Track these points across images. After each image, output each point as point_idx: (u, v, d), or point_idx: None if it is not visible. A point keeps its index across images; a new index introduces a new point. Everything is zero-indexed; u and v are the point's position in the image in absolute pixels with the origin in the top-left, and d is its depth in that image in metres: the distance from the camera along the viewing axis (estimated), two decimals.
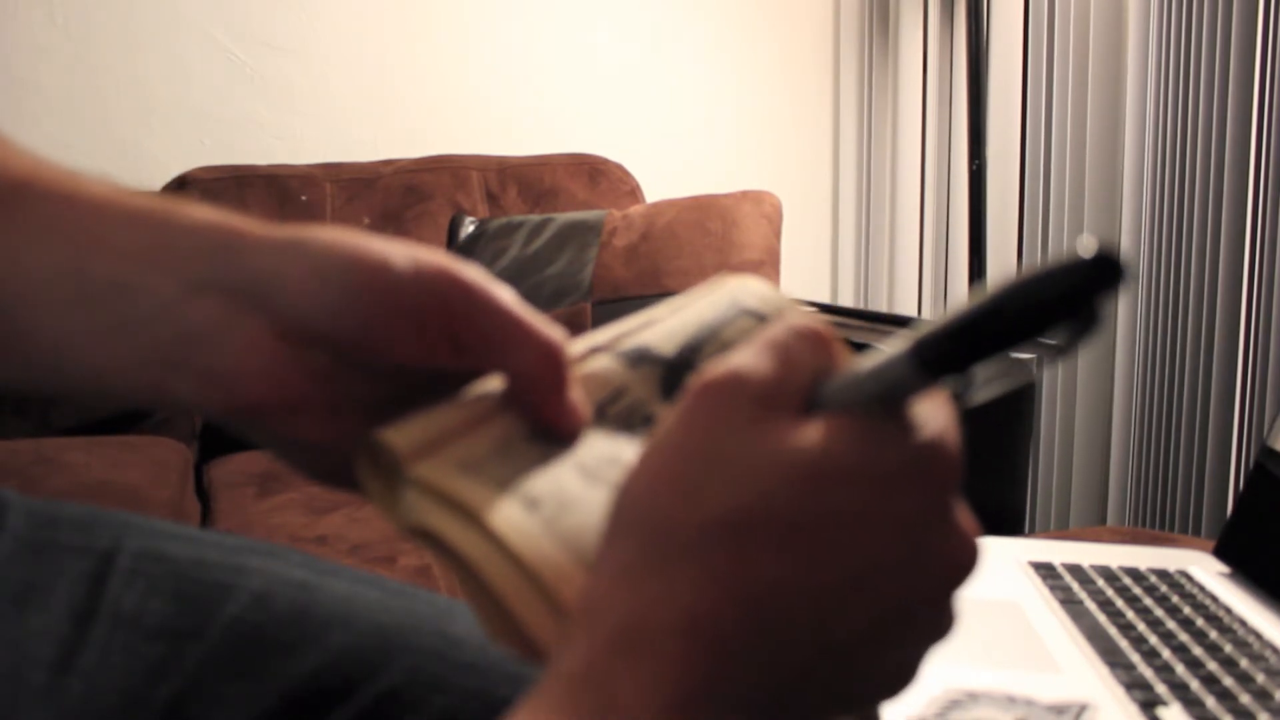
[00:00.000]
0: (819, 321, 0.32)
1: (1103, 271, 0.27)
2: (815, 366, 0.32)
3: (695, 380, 0.31)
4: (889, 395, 0.30)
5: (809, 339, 0.32)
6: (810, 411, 0.31)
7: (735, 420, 0.30)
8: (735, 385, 0.30)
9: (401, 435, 0.34)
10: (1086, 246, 0.27)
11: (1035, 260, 2.05)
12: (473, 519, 0.32)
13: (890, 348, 0.30)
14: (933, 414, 0.31)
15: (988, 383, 0.27)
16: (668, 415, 0.31)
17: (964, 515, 0.31)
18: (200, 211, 0.37)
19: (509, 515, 0.32)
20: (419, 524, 0.33)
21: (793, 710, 0.29)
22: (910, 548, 0.30)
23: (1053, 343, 0.28)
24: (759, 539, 0.29)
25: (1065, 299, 0.27)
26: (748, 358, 0.31)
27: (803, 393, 0.31)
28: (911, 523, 0.30)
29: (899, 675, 0.31)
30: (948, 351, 0.29)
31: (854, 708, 0.31)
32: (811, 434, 0.30)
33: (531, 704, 0.28)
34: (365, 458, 0.35)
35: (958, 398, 0.32)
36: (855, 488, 0.29)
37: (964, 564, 0.31)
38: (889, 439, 0.30)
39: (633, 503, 0.31)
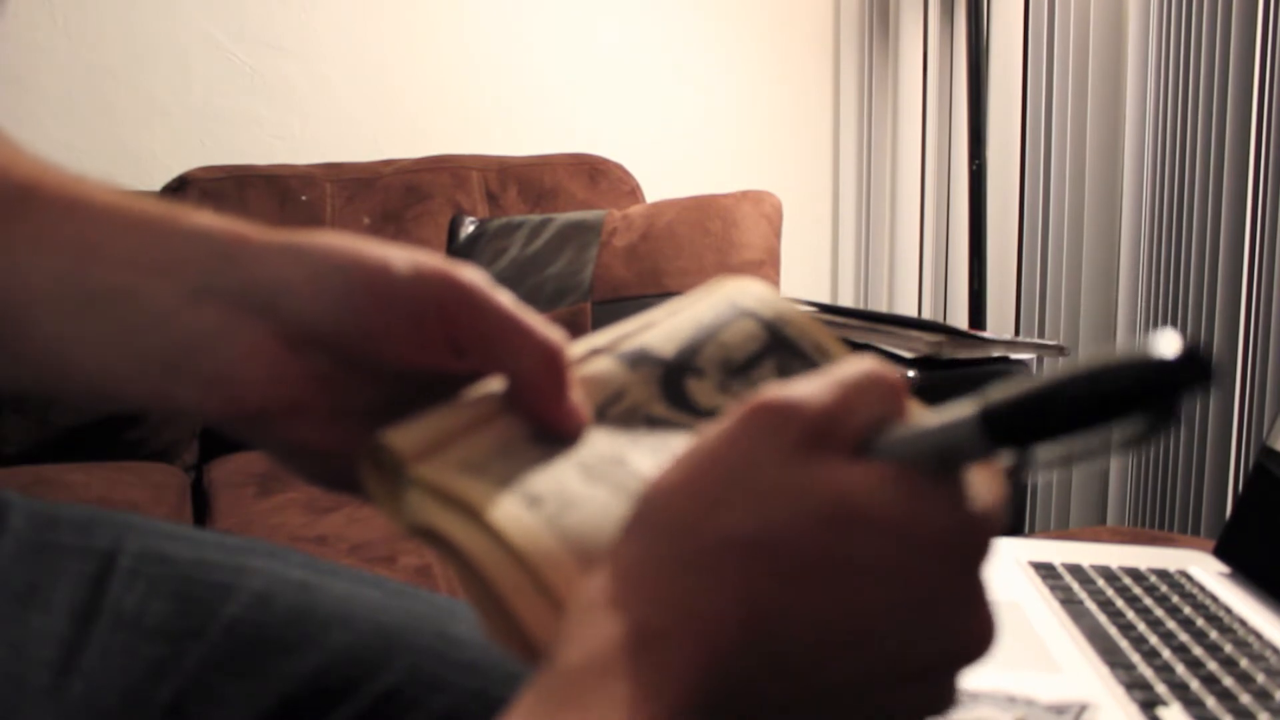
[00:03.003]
0: (895, 372, 0.32)
1: (1189, 372, 0.26)
2: (878, 414, 0.31)
3: (750, 397, 0.31)
4: (946, 456, 0.29)
5: (879, 386, 0.31)
6: (860, 456, 0.30)
7: (779, 445, 0.29)
8: (789, 411, 0.30)
9: (404, 437, 0.34)
10: (1171, 344, 0.26)
11: (1034, 263, 2.05)
12: (475, 517, 0.32)
13: (957, 408, 0.29)
14: (983, 488, 0.30)
15: (1048, 465, 0.26)
16: (712, 426, 0.31)
17: (987, 597, 0.31)
18: (201, 218, 0.37)
19: (511, 512, 0.32)
20: (422, 524, 0.33)
21: None
22: (925, 616, 0.29)
23: (1124, 433, 0.27)
24: (773, 564, 0.28)
25: (1145, 393, 0.26)
26: (810, 388, 0.30)
27: (857, 436, 0.30)
28: (932, 591, 0.29)
29: None
30: (1015, 421, 0.28)
31: None
32: (854, 476, 0.29)
33: (529, 700, 0.28)
34: (368, 460, 0.36)
35: (1014, 474, 0.31)
36: (885, 541, 0.29)
37: (975, 645, 0.30)
38: (933, 501, 0.29)
39: (656, 504, 0.30)
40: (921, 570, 0.29)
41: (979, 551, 0.30)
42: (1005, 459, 0.29)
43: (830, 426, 0.30)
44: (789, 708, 0.29)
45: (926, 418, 0.30)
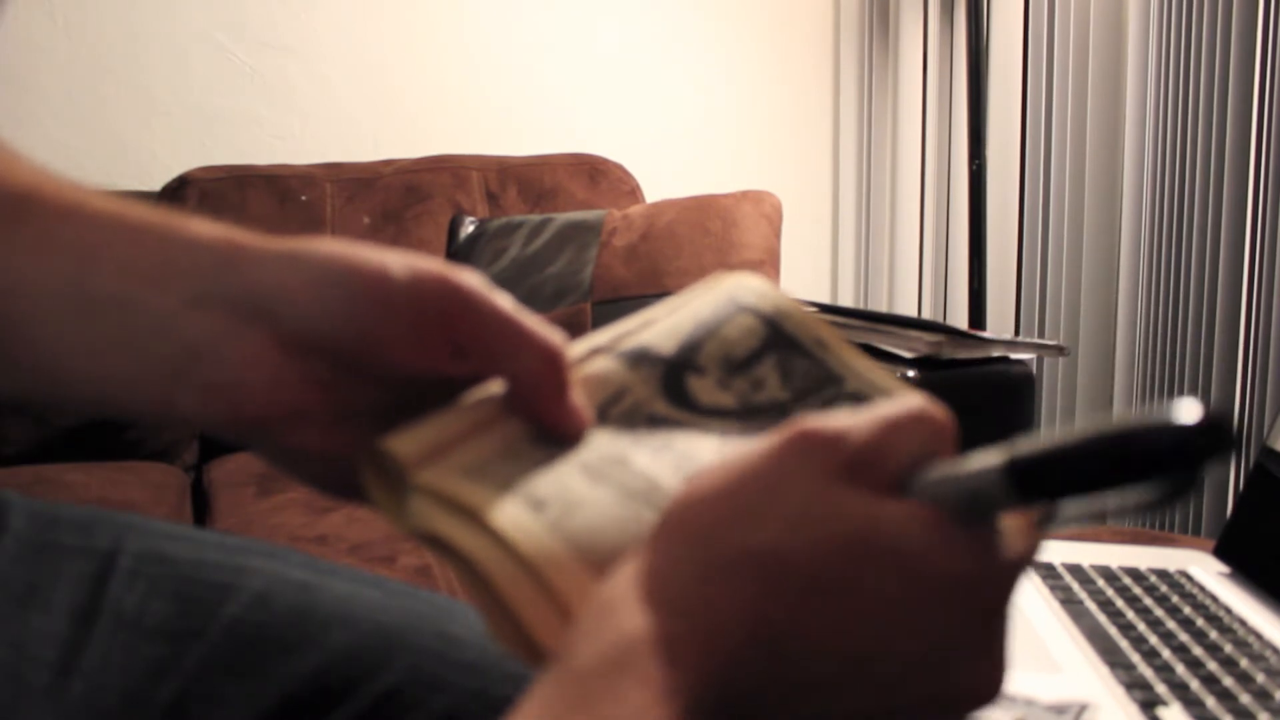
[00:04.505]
0: (943, 412, 0.32)
1: (1209, 442, 0.26)
2: (920, 453, 0.31)
3: (794, 423, 0.31)
4: (975, 502, 0.30)
5: (926, 425, 0.31)
6: (894, 493, 0.30)
7: (816, 471, 0.30)
8: (831, 441, 0.30)
9: (405, 442, 0.34)
10: (1192, 412, 0.26)
11: (1034, 263, 2.05)
12: (478, 522, 0.32)
13: (987, 455, 0.30)
14: (1015, 538, 0.31)
15: (1073, 520, 0.27)
16: (752, 444, 0.31)
17: (1001, 644, 0.31)
18: (201, 225, 0.37)
19: (514, 516, 0.32)
20: (426, 530, 0.33)
21: None
22: (935, 657, 0.29)
23: (1146, 495, 0.27)
24: (789, 582, 0.29)
25: (1163, 461, 0.26)
26: (856, 422, 0.31)
27: (895, 473, 0.31)
28: (942, 633, 0.29)
29: None
30: (1039, 475, 0.28)
31: None
32: (885, 511, 0.29)
33: (538, 699, 0.28)
34: (370, 466, 0.35)
35: (1039, 525, 0.31)
36: (904, 577, 0.29)
37: (981, 693, 0.30)
38: (959, 546, 0.29)
39: (684, 513, 0.30)
40: (934, 611, 0.29)
41: (998, 600, 0.30)
42: (1033, 510, 0.30)
43: (869, 460, 0.30)
44: None
45: (959, 461, 0.31)
